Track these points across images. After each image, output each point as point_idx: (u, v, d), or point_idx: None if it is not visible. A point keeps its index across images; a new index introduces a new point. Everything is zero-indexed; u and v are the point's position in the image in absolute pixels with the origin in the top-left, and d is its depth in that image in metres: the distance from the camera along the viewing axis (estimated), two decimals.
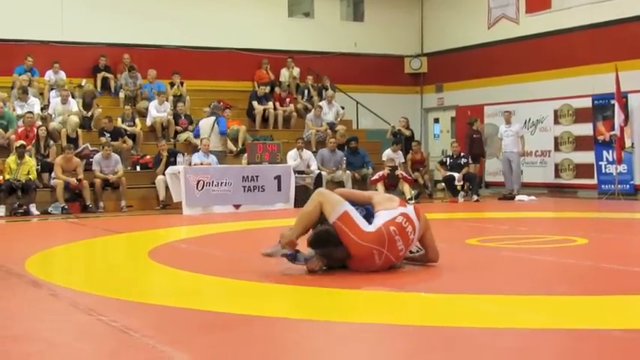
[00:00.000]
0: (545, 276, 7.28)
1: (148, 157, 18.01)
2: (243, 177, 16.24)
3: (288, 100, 21.87)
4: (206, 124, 18.23)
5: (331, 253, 7.14)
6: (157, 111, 19.47)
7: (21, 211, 15.54)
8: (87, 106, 18.99)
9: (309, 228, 7.17)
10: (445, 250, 8.04)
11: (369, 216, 7.17)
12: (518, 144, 19.07)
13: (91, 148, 17.48)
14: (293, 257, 7.15)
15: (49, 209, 15.83)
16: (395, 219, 7.07)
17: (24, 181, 15.67)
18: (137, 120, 19.11)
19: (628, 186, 18.15)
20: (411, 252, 7.50)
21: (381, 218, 7.10)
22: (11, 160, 15.83)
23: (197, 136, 18.29)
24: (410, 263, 7.53)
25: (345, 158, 18.74)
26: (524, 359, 4.28)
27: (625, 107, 17.77)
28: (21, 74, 19.34)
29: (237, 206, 16.07)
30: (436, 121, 25.89)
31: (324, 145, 19.34)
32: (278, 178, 16.51)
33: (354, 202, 7.23)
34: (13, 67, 19.63)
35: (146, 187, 17.37)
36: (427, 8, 25.61)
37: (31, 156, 16.29)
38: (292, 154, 18.15)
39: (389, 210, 7.16)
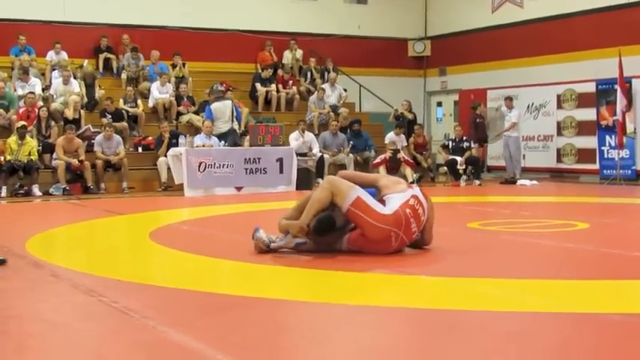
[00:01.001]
0: (546, 260, 7.28)
1: (149, 138, 17.99)
2: (245, 159, 16.24)
3: (290, 82, 21.84)
4: (224, 107, 18.01)
5: (326, 238, 7.20)
6: (159, 92, 19.42)
7: (22, 191, 15.54)
8: (88, 87, 18.96)
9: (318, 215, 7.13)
10: (447, 233, 8.04)
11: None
12: (517, 129, 19.08)
13: (92, 130, 17.47)
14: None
15: (51, 190, 15.82)
16: (408, 201, 7.10)
17: (25, 161, 15.66)
18: (139, 101, 19.07)
19: (630, 171, 18.12)
20: None
21: (396, 201, 7.09)
22: (12, 140, 15.81)
23: (210, 118, 17.94)
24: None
25: (351, 142, 18.71)
26: (524, 343, 4.29)
27: (628, 92, 17.74)
28: (17, 55, 19.28)
29: (239, 188, 16.08)
30: (439, 104, 25.84)
31: (327, 127, 19.31)
32: (280, 160, 16.52)
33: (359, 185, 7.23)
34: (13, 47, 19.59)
35: (148, 169, 17.36)
36: None
37: (32, 137, 16.27)
38: (294, 135, 18.11)
39: (400, 193, 7.18)
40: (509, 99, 19.41)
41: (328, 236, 7.17)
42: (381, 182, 7.41)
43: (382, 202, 7.14)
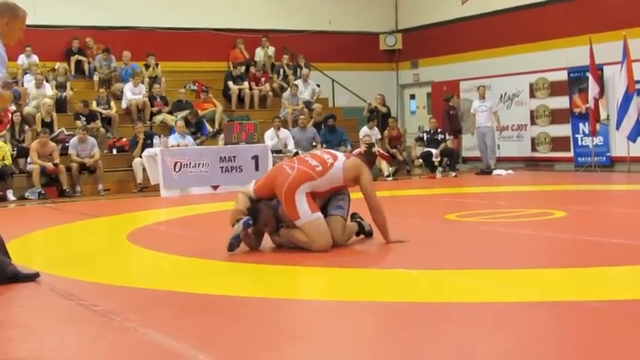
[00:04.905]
0: (524, 249, 7.31)
1: (124, 139, 17.93)
2: (221, 157, 16.23)
3: (263, 79, 21.81)
4: None
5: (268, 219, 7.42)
6: (132, 93, 19.35)
7: None
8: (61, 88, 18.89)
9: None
10: (424, 225, 8.06)
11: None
12: (491, 119, 19.16)
13: (66, 133, 17.38)
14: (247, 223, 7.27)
15: (26, 194, 15.73)
16: (282, 164, 7.66)
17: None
18: (112, 103, 19.00)
19: (604, 158, 18.24)
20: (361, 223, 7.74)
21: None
22: None
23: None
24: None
25: (320, 136, 18.70)
26: (506, 333, 4.30)
27: (600, 79, 17.83)
28: None
29: (215, 187, 16.05)
30: (412, 97, 25.88)
31: None
32: (255, 158, 16.50)
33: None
34: None
35: (123, 170, 17.32)
36: None
37: (5, 142, 16.17)
38: (269, 133, 18.09)
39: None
40: (482, 87, 19.49)
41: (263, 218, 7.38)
42: (258, 184, 7.70)
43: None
